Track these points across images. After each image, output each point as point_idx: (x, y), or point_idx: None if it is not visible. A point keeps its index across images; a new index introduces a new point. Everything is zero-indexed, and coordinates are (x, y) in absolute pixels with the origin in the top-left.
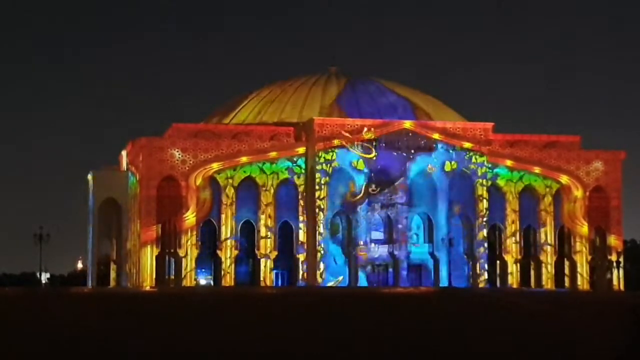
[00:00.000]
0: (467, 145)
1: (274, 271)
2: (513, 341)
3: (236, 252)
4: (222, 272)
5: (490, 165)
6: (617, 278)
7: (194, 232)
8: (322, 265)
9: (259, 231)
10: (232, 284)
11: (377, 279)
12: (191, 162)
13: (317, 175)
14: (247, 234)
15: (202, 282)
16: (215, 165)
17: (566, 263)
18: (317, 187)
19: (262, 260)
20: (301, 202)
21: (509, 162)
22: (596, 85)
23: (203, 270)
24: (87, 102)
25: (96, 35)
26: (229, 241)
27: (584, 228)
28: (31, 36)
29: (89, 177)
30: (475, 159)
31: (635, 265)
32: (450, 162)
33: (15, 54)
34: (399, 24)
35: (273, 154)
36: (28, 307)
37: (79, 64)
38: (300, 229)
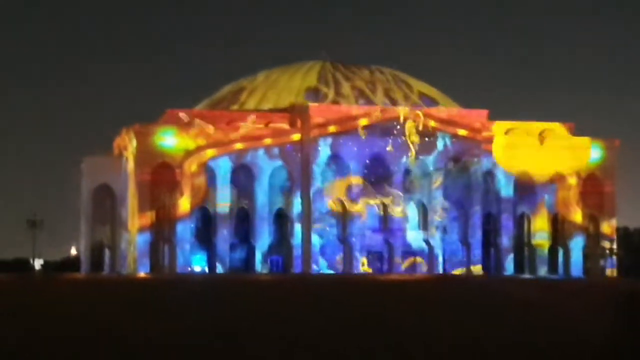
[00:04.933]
0: (462, 132)
1: (269, 258)
2: (506, 328)
3: None
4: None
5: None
6: (611, 265)
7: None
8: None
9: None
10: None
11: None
12: (185, 148)
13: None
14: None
15: (196, 268)
16: (210, 152)
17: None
18: (312, 174)
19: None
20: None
21: (503, 149)
22: (590, 72)
23: (198, 257)
24: (81, 87)
25: (90, 22)
26: None
27: (577, 215)
28: (24, 23)
29: (83, 163)
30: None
31: (629, 253)
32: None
33: (7, 41)
34: (393, 10)
35: (268, 140)
36: (21, 293)
37: (71, 50)
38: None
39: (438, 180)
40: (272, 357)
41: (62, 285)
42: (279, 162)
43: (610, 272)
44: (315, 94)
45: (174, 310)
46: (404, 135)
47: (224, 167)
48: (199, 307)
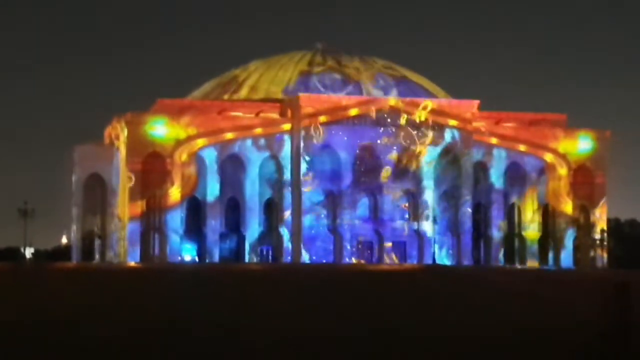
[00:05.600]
0: (452, 122)
1: (259, 248)
2: (495, 319)
3: None
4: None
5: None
6: (601, 256)
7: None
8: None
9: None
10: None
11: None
12: (176, 137)
13: (302, 152)
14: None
15: (187, 258)
16: (201, 141)
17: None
18: (302, 164)
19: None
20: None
21: (494, 140)
22: (583, 64)
23: (188, 246)
24: (72, 76)
25: (82, 10)
26: None
27: (568, 206)
28: (15, 11)
29: (74, 152)
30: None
31: (619, 244)
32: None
33: None
34: (389, 3)
35: (258, 130)
36: (12, 282)
37: (62, 38)
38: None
39: (429, 170)
40: (264, 349)
41: (54, 274)
42: (269, 152)
43: (601, 263)
44: (307, 75)
45: (162, 302)
46: (395, 126)
47: (214, 157)
48: (190, 297)
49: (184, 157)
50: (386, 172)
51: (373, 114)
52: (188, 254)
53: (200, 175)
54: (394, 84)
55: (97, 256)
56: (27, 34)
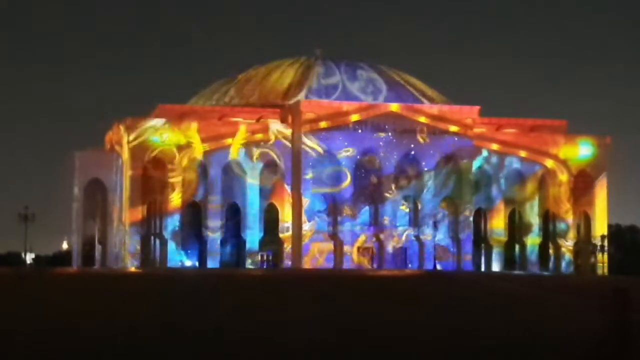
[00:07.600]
0: (453, 128)
1: (260, 253)
2: (496, 324)
3: None
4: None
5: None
6: (601, 262)
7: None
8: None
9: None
10: None
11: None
12: (177, 143)
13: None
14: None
15: (187, 263)
16: (201, 147)
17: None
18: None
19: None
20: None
21: (494, 146)
22: (583, 70)
23: (188, 252)
24: (73, 82)
25: (83, 16)
26: None
27: (568, 212)
28: (15, 16)
29: (75, 157)
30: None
31: (619, 250)
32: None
33: None
34: (385, 6)
35: (259, 135)
36: (13, 287)
37: (63, 44)
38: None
39: (430, 177)
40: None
41: (54, 279)
42: (269, 158)
43: (601, 270)
44: (306, 81)
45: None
46: (395, 131)
47: (214, 162)
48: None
49: (185, 162)
50: (387, 178)
51: (374, 120)
52: (188, 259)
53: (201, 181)
54: (394, 89)
55: (97, 262)
56: (27, 40)
